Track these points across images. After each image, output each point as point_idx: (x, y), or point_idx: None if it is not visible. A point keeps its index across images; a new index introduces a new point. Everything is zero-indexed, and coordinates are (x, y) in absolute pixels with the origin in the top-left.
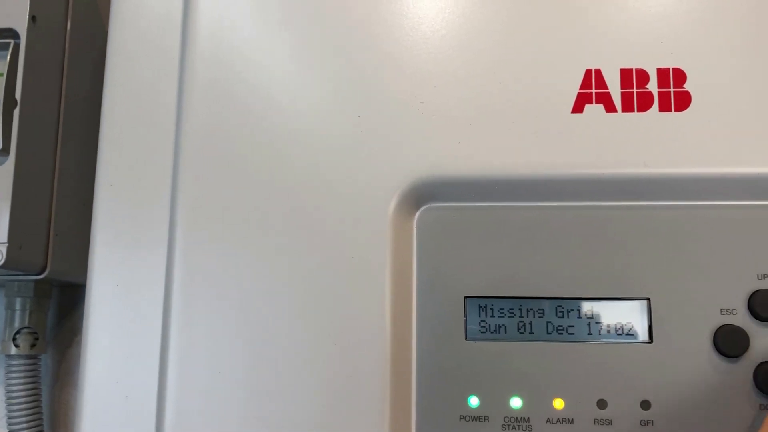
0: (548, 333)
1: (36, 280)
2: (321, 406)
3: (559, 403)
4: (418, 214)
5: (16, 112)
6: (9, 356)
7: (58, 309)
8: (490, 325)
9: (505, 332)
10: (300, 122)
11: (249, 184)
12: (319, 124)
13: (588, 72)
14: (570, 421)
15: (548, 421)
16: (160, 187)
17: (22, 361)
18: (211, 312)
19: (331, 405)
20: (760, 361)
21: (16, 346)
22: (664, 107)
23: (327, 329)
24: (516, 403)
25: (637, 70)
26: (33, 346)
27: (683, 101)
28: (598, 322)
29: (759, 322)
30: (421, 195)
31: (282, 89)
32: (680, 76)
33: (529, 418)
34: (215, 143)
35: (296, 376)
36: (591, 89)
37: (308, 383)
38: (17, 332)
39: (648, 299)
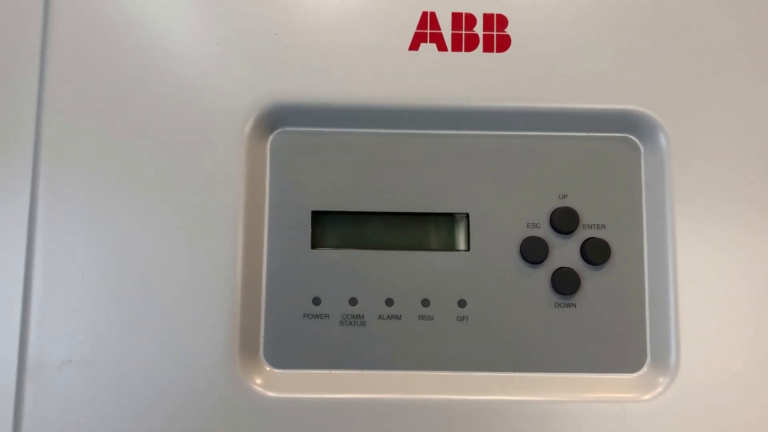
0: (384, 243)
1: None
2: (177, 310)
3: (389, 302)
4: (271, 137)
5: None
6: None
7: None
8: (334, 236)
9: (347, 243)
10: (163, 51)
11: (113, 117)
12: (181, 51)
13: (424, 14)
14: (398, 317)
15: (380, 317)
16: (24, 119)
17: None
18: (74, 233)
19: (186, 308)
20: (557, 267)
21: None
22: (488, 48)
23: (183, 239)
24: (353, 302)
25: (466, 14)
26: None
27: (504, 43)
28: (426, 234)
29: (558, 234)
30: (275, 119)
31: (145, 19)
32: (503, 21)
33: (363, 315)
34: (78, 78)
35: (154, 284)
36: (426, 29)
37: (165, 289)
38: None
39: (467, 214)
